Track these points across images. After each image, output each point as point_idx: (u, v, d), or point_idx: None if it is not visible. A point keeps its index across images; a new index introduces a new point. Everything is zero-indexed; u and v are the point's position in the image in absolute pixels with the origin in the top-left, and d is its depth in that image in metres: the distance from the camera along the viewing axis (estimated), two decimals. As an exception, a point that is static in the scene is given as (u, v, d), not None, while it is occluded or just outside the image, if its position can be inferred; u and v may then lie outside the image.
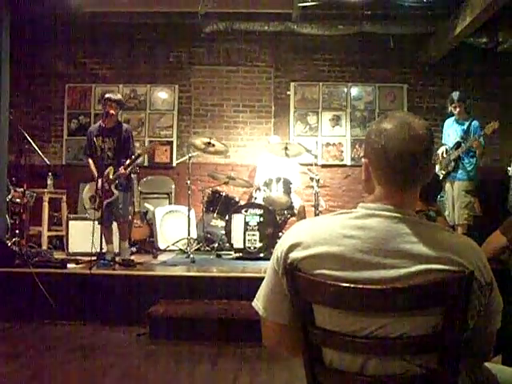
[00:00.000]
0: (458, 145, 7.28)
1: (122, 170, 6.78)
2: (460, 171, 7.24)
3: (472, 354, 1.71)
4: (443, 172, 7.35)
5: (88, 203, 7.01)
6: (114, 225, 7.13)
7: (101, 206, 6.71)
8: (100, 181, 6.69)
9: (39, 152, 8.77)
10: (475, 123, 7.28)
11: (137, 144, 7.51)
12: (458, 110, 7.37)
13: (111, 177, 6.78)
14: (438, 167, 7.41)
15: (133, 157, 6.88)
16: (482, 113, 8.28)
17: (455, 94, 7.42)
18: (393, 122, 1.66)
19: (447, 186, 7.42)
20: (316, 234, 1.65)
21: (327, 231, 1.64)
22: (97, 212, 6.76)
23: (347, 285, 1.54)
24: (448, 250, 1.55)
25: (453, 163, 7.27)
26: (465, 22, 8.04)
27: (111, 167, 6.83)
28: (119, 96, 7.26)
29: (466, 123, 7.33)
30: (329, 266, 1.59)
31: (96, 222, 6.71)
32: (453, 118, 7.56)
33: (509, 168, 8.58)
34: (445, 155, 7.40)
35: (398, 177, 1.64)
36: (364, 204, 1.69)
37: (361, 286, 1.53)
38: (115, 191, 6.80)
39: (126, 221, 7.08)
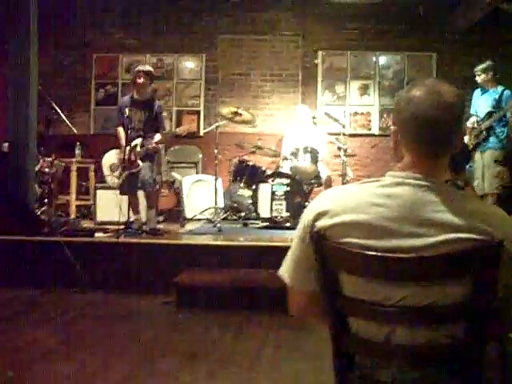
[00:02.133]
0: (489, 114, 7.20)
1: (151, 144, 6.84)
2: (491, 140, 7.17)
3: (500, 324, 1.69)
4: (473, 142, 7.29)
5: (108, 171, 7.05)
6: (141, 194, 7.16)
7: (121, 175, 6.79)
8: (127, 150, 6.74)
9: (67, 122, 8.84)
10: (507, 92, 7.20)
11: (164, 113, 7.58)
12: (481, 79, 7.31)
13: (138, 149, 6.82)
14: (467, 137, 7.34)
15: (162, 136, 7.04)
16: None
17: (479, 65, 7.36)
18: (422, 89, 1.63)
19: (477, 155, 7.34)
20: (343, 203, 1.64)
21: (354, 199, 1.63)
22: (117, 180, 6.85)
23: (374, 253, 1.53)
24: (477, 219, 1.54)
25: (484, 133, 7.20)
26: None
27: (139, 139, 6.86)
28: (149, 67, 7.29)
29: (497, 93, 7.26)
30: (356, 235, 1.58)
31: (117, 191, 6.88)
32: (481, 88, 7.48)
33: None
34: (475, 125, 7.33)
35: (427, 145, 1.62)
36: (392, 172, 1.67)
37: (388, 255, 1.53)
38: (140, 163, 6.82)
39: (152, 190, 7.10)
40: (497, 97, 7.22)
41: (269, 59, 10.37)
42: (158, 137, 6.93)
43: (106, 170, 7.09)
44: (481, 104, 7.42)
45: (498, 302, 1.58)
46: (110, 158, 7.06)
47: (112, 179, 7.01)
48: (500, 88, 7.29)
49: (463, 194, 1.73)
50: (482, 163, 7.26)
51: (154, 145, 6.85)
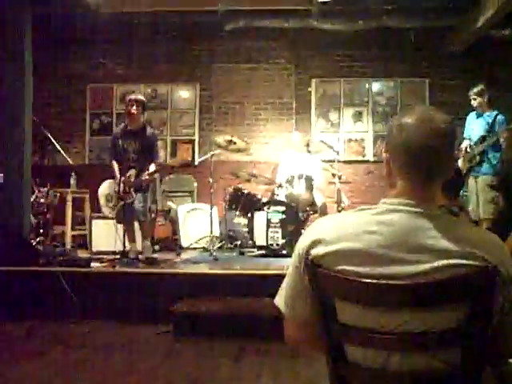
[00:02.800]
0: (482, 139, 7.22)
1: (145, 176, 6.83)
2: (484, 165, 7.17)
3: (497, 350, 1.68)
4: (467, 167, 7.29)
5: (103, 201, 7.07)
6: (137, 223, 7.16)
7: (117, 205, 6.82)
8: (121, 181, 6.78)
9: (62, 152, 8.86)
10: (500, 117, 7.21)
11: (159, 143, 7.62)
12: (477, 103, 7.34)
13: (132, 180, 6.83)
14: (461, 162, 7.35)
15: (157, 166, 7.01)
16: (507, 106, 8.14)
17: (474, 88, 7.39)
18: (414, 116, 1.65)
19: (471, 180, 7.33)
20: (337, 231, 1.65)
21: (349, 227, 1.64)
22: (112, 211, 6.88)
23: (369, 280, 1.54)
24: (471, 245, 1.54)
25: (477, 157, 7.20)
26: (487, 15, 7.98)
27: (134, 170, 6.88)
28: (141, 96, 7.31)
29: (491, 117, 7.27)
30: (350, 262, 1.59)
31: (114, 221, 6.93)
32: (475, 111, 7.51)
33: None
34: (469, 150, 7.35)
35: (420, 172, 1.64)
36: (386, 199, 1.68)
37: (383, 282, 1.53)
38: (134, 194, 6.83)
39: (146, 220, 7.08)
40: (490, 121, 7.23)
41: (263, 87, 10.44)
42: (152, 167, 6.92)
43: (101, 200, 7.10)
44: (474, 128, 7.44)
45: (495, 327, 1.59)
46: (106, 188, 7.07)
47: (107, 209, 7.03)
48: (493, 112, 7.30)
49: (456, 219, 1.73)
50: (476, 188, 7.25)
51: (147, 177, 6.83)
